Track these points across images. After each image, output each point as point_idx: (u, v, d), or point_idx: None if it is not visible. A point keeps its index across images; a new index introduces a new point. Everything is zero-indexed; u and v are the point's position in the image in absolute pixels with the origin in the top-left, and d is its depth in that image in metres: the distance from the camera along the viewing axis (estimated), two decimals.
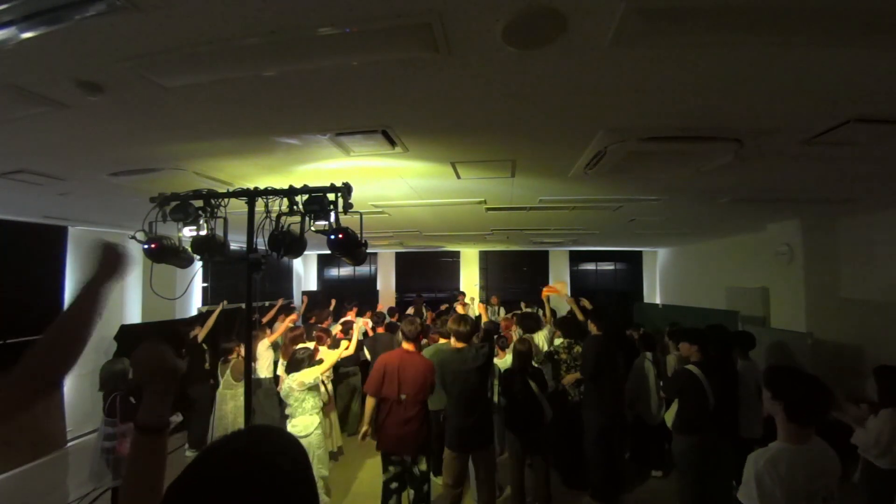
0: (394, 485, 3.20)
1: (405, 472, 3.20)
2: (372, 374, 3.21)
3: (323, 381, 3.82)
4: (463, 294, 8.41)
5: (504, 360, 4.29)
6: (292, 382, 3.45)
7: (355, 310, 6.47)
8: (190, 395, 4.96)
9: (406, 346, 3.30)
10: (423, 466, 3.19)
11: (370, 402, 3.17)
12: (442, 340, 4.20)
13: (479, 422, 3.16)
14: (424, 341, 4.97)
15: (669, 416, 3.41)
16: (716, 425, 3.12)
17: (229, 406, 4.34)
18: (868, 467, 2.67)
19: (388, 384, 3.11)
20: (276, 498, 0.63)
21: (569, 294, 5.53)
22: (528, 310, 6.62)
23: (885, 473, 2.56)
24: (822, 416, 1.65)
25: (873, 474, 2.62)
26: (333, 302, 7.21)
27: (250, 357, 2.66)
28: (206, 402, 4.69)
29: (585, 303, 5.05)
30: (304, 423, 3.44)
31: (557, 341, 4.40)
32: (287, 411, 3.54)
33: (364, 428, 3.22)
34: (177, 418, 3.57)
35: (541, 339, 4.57)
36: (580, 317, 4.50)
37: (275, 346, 4.81)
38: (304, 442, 3.50)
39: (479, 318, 6.82)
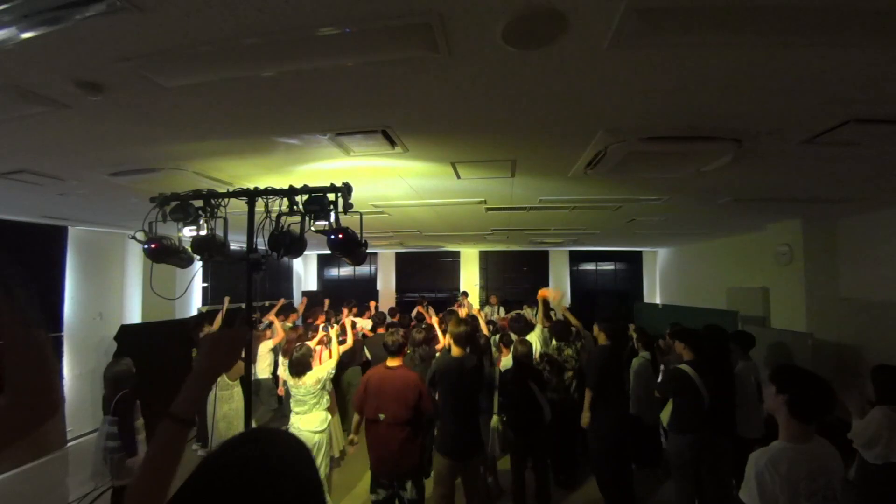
0: None
1: (394, 496, 2.96)
2: (359, 389, 3.07)
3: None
4: (465, 294, 8.39)
5: (507, 359, 4.30)
6: (308, 381, 3.49)
7: (346, 311, 6.44)
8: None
9: (390, 361, 3.05)
10: (411, 494, 2.91)
11: (356, 417, 3.06)
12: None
13: (472, 430, 3.07)
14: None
15: (665, 416, 3.40)
16: (711, 424, 3.12)
17: (225, 409, 4.29)
18: (862, 464, 2.69)
19: (368, 403, 2.93)
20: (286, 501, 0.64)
21: (568, 303, 5.59)
22: (526, 311, 6.62)
23: (876, 469, 2.59)
24: (824, 413, 1.65)
25: (866, 470, 2.65)
26: (327, 302, 7.19)
27: (250, 357, 2.65)
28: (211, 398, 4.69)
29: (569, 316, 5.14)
30: (320, 417, 3.54)
31: (552, 344, 4.43)
32: (298, 409, 3.56)
33: (351, 436, 3.18)
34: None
35: (534, 339, 4.57)
36: (573, 322, 4.60)
37: (275, 351, 4.79)
38: (318, 437, 3.51)
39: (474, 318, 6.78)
